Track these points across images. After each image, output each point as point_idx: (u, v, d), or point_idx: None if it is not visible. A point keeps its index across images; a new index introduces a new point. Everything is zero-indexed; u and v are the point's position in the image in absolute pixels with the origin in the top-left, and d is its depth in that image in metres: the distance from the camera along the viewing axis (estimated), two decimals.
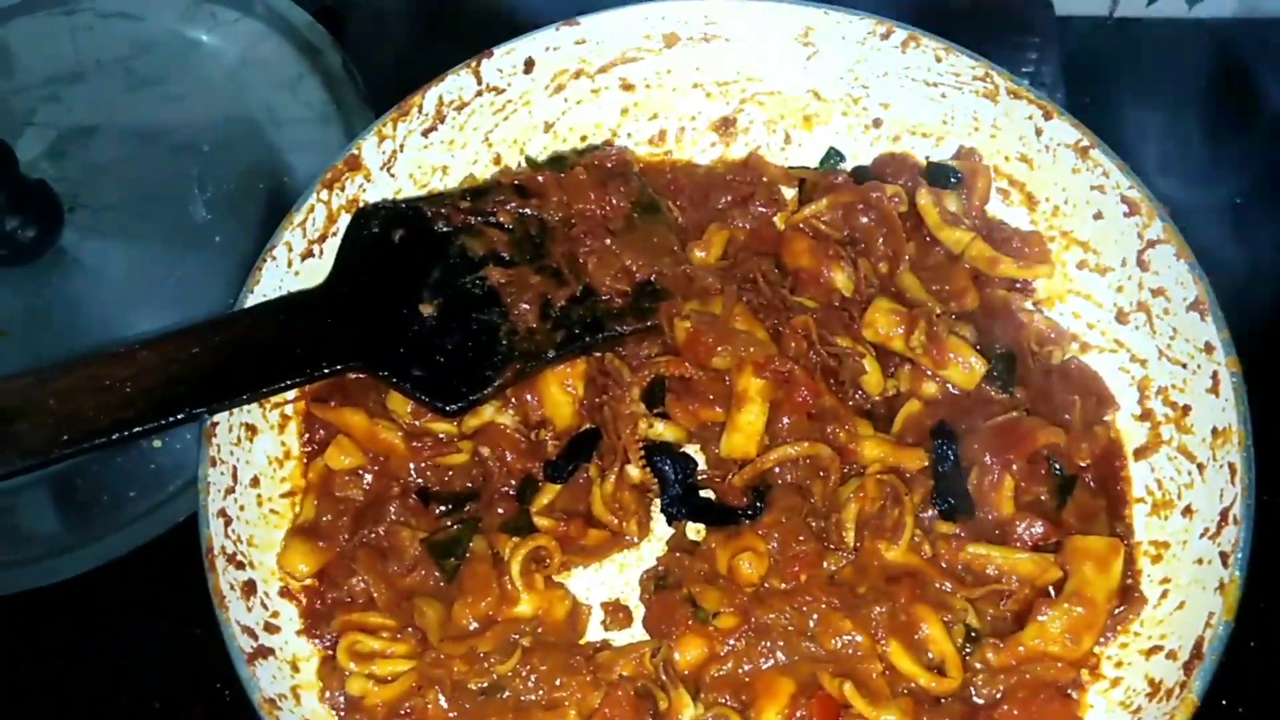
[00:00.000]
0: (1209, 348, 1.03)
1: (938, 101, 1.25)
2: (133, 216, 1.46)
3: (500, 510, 1.11)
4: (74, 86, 1.56)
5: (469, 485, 1.13)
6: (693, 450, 1.15)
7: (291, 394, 1.13)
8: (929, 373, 1.14)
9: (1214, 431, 1.01)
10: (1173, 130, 1.47)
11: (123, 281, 1.41)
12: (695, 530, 1.11)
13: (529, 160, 1.29)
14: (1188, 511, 1.02)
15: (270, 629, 1.00)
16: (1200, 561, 0.97)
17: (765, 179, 1.31)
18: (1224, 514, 0.96)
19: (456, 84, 1.24)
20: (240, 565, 1.00)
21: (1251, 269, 1.27)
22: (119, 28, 1.62)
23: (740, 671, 1.00)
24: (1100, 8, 1.63)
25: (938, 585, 1.03)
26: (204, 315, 1.28)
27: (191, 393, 0.99)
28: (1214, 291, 1.04)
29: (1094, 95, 1.52)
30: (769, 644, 1.01)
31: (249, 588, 1.00)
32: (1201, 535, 0.99)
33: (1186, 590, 0.98)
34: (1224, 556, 0.94)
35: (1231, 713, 1.09)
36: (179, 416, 0.98)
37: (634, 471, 1.09)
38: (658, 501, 1.11)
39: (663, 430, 1.12)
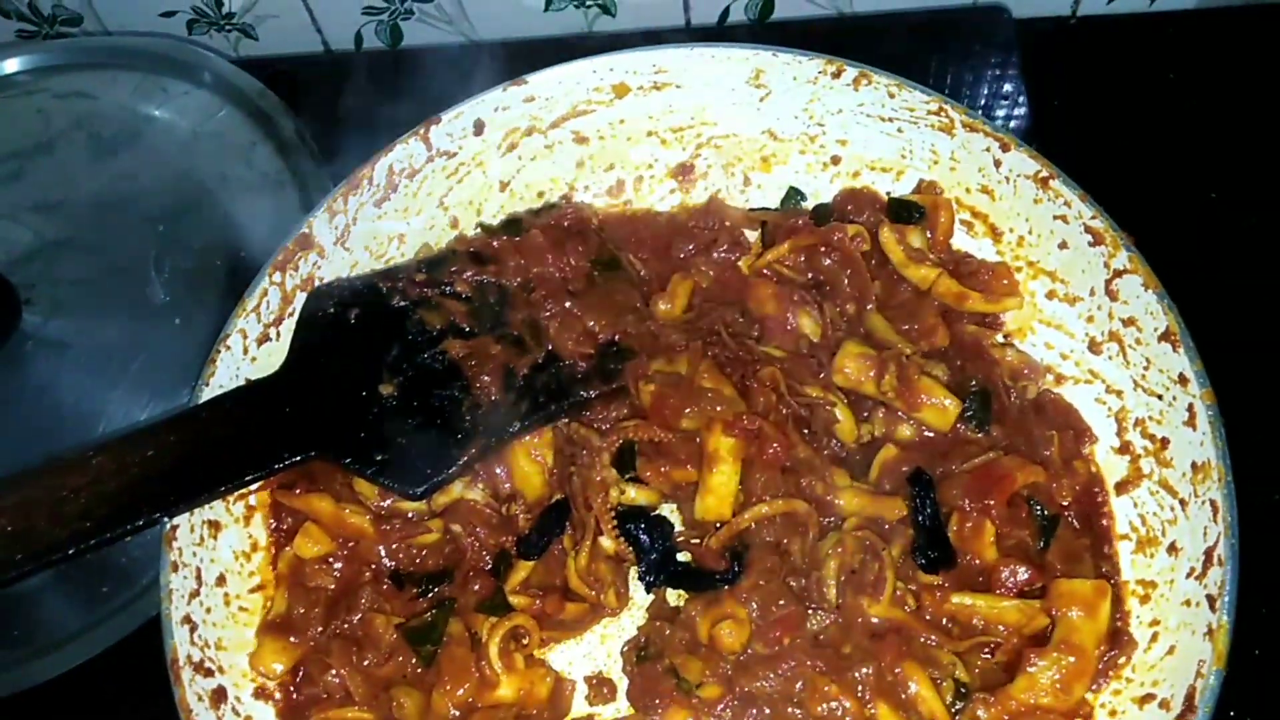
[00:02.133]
0: (1183, 379, 1.01)
1: (894, 136, 1.23)
2: (102, 286, 1.45)
3: (476, 587, 1.09)
4: (33, 163, 1.56)
5: (442, 564, 1.11)
6: (669, 510, 1.13)
7: (255, 484, 1.11)
8: (903, 415, 1.12)
9: (1194, 466, 0.99)
10: (1141, 131, 1.46)
11: (86, 363, 1.39)
12: (676, 595, 1.09)
13: (483, 226, 1.27)
14: (1172, 549, 1.00)
15: None
16: (1188, 603, 0.95)
17: (727, 223, 1.29)
18: (1208, 554, 0.94)
19: (406, 152, 1.22)
20: (209, 672, 0.98)
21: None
22: (76, 106, 1.61)
23: None
24: (1063, 7, 1.61)
25: (923, 639, 1.01)
26: (169, 389, 1.29)
27: (150, 498, 0.97)
28: (1184, 322, 1.01)
29: (1060, 99, 1.50)
30: (755, 712, 0.99)
31: (218, 695, 0.98)
32: (1188, 575, 0.96)
33: (1176, 634, 0.96)
34: (1211, 600, 0.91)
35: None
36: (139, 524, 0.96)
37: (607, 543, 1.06)
38: (635, 569, 1.09)
39: (635, 495, 1.10)
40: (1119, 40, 1.58)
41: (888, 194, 1.26)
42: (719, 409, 1.08)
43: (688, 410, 1.09)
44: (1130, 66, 1.55)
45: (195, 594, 1.02)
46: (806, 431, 1.12)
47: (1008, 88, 1.54)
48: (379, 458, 1.06)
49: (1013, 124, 1.48)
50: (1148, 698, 0.95)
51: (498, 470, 1.12)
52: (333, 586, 1.09)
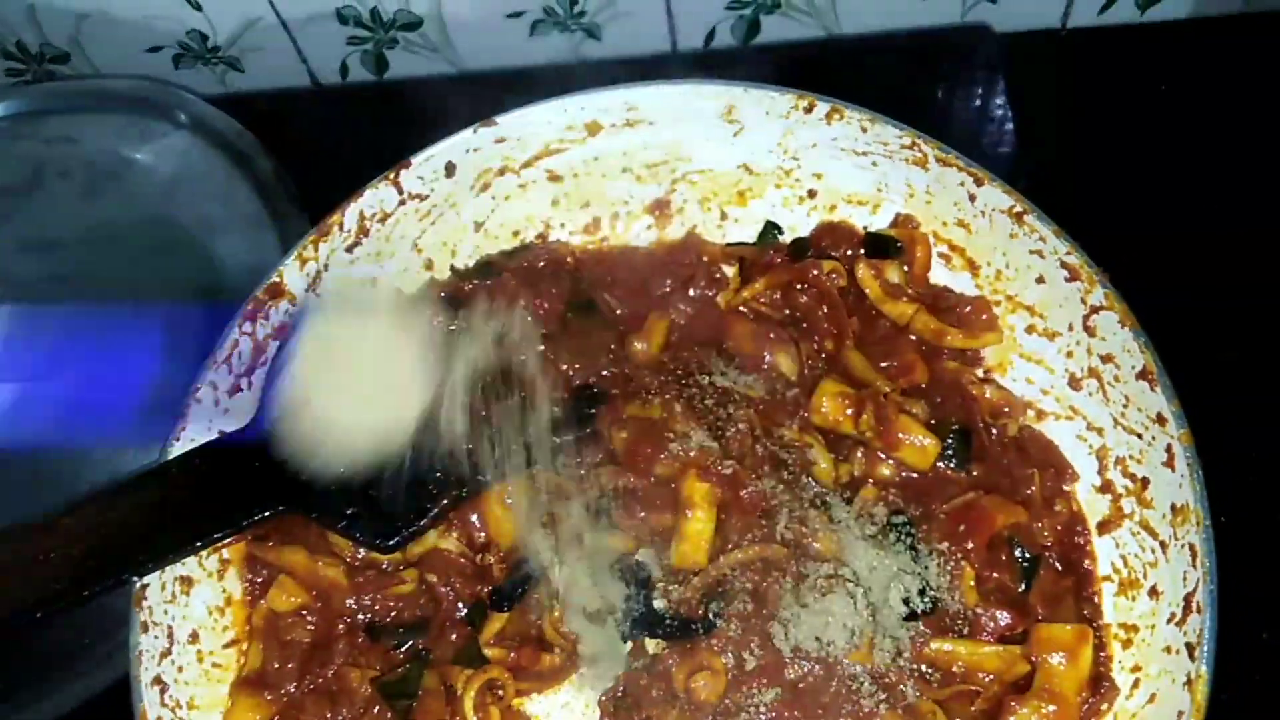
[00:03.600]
0: (1161, 419, 0.99)
1: (869, 170, 1.21)
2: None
3: (452, 638, 1.08)
4: (19, 204, 1.57)
5: (417, 615, 1.10)
6: (646, 554, 1.11)
7: None
8: (882, 455, 1.11)
9: (1173, 508, 0.97)
10: (1132, 143, 1.44)
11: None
12: (655, 643, 1.08)
13: (455, 270, 1.26)
14: (1154, 593, 0.98)
15: None
16: (1169, 649, 0.93)
17: (704, 259, 1.28)
18: (1188, 600, 0.92)
19: (376, 197, 1.21)
20: None
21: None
22: (55, 151, 1.61)
23: None
24: (1052, 20, 1.59)
25: (903, 689, 0.99)
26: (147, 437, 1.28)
27: (119, 560, 0.97)
28: (1161, 361, 1.00)
29: (1051, 114, 1.49)
30: None
31: None
32: (1168, 621, 0.95)
33: (1157, 682, 0.94)
34: (1190, 648, 0.90)
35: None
36: (108, 585, 0.96)
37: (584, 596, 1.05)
38: (611, 619, 1.08)
39: (611, 543, 1.09)
40: (1110, 52, 1.57)
41: (865, 228, 1.24)
42: (693, 454, 1.07)
43: (662, 456, 1.07)
44: (1122, 78, 1.53)
45: (167, 653, 1.01)
46: (784, 474, 1.11)
47: (995, 108, 1.52)
48: (350, 511, 1.05)
49: (1001, 142, 1.47)
50: None
51: (472, 518, 1.11)
52: (308, 640, 1.08)
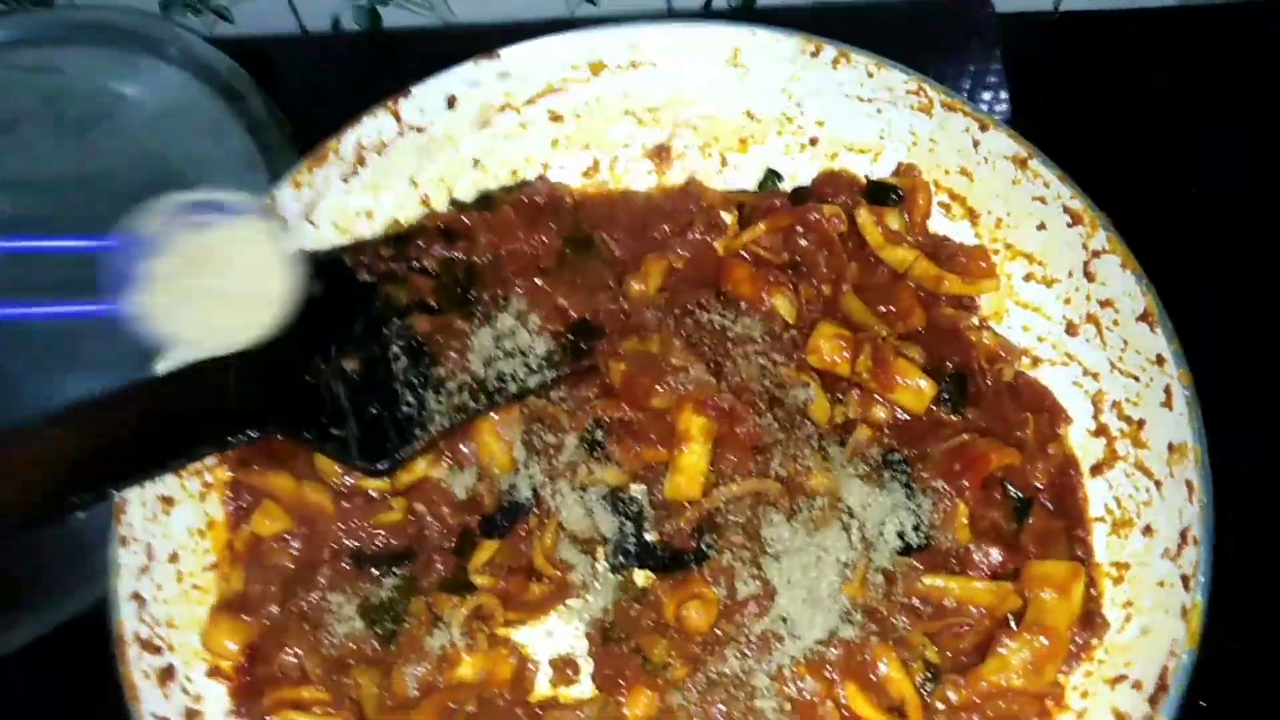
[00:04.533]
0: (1160, 360, 0.99)
1: (873, 117, 1.21)
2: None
3: (439, 567, 1.06)
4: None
5: (405, 543, 1.08)
6: (638, 490, 1.10)
7: (211, 460, 1.08)
8: (878, 397, 1.11)
9: (1170, 447, 0.97)
10: (1123, 125, 1.45)
11: (45, 339, 1.36)
12: (644, 576, 1.07)
13: (455, 201, 1.24)
14: (1148, 530, 0.99)
15: (192, 714, 0.94)
16: (1162, 584, 0.94)
17: (704, 204, 1.28)
18: (1183, 534, 0.92)
19: (375, 125, 1.19)
20: (157, 650, 0.95)
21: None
22: (39, 82, 1.58)
23: None
24: (1044, 3, 1.60)
25: (894, 621, 0.99)
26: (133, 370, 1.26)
27: (101, 471, 0.94)
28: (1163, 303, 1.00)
29: (1043, 94, 1.49)
30: (721, 694, 0.97)
31: (167, 673, 0.95)
32: (1162, 555, 0.95)
33: (1150, 615, 0.94)
34: (1185, 580, 0.90)
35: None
36: (89, 497, 0.93)
37: (574, 522, 1.04)
38: (601, 549, 1.07)
39: (604, 475, 1.08)
40: (1101, 35, 1.58)
41: (866, 176, 1.24)
42: (690, 388, 1.06)
43: (658, 388, 1.07)
44: (1112, 61, 1.55)
45: (145, 570, 0.99)
46: (779, 412, 1.10)
47: (990, 80, 1.53)
48: (340, 434, 1.03)
49: (995, 117, 1.47)
50: (1120, 678, 0.93)
51: (463, 448, 1.10)
52: (291, 565, 1.06)
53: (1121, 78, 1.53)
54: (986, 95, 1.51)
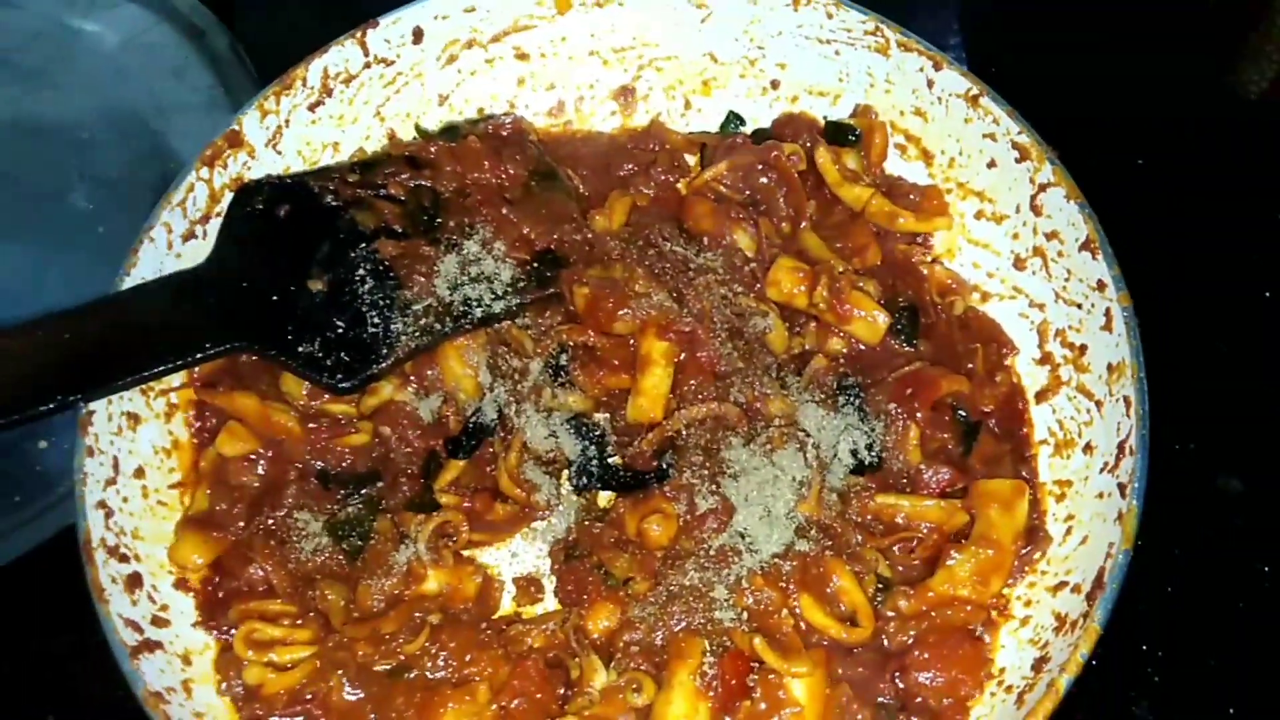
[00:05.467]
0: (1101, 285, 1.04)
1: (832, 59, 1.24)
2: (13, 212, 1.40)
3: (405, 489, 1.08)
4: None
5: (371, 466, 1.10)
6: (601, 418, 1.13)
7: (177, 380, 1.08)
8: (834, 329, 1.14)
9: (1109, 367, 1.02)
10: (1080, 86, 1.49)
11: (4, 279, 1.35)
12: (606, 497, 1.09)
13: (421, 131, 1.25)
14: (1088, 449, 1.03)
15: (159, 622, 0.95)
16: (1101, 496, 0.98)
17: (667, 146, 1.30)
18: (1121, 446, 0.97)
19: (342, 55, 1.20)
20: (124, 558, 0.95)
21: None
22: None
23: (653, 635, 0.98)
24: None
25: (848, 537, 1.02)
26: None
27: (64, 380, 0.94)
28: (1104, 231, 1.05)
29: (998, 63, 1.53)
30: (681, 605, 0.99)
31: (134, 580, 0.95)
32: (1102, 470, 1.00)
33: (1089, 525, 0.99)
34: (1122, 488, 0.95)
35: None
36: (52, 405, 0.93)
37: (538, 442, 1.06)
38: (565, 472, 1.09)
39: (569, 400, 1.10)
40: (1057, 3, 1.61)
41: (824, 118, 1.27)
42: (652, 312, 1.09)
43: (621, 313, 1.09)
44: (1067, 28, 1.58)
45: (112, 481, 0.99)
46: (739, 342, 1.13)
47: (950, 41, 1.56)
48: (305, 350, 1.04)
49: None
50: (1061, 585, 0.98)
51: (429, 372, 1.11)
52: (257, 485, 1.07)
53: (1074, 42, 1.57)
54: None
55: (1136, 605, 1.07)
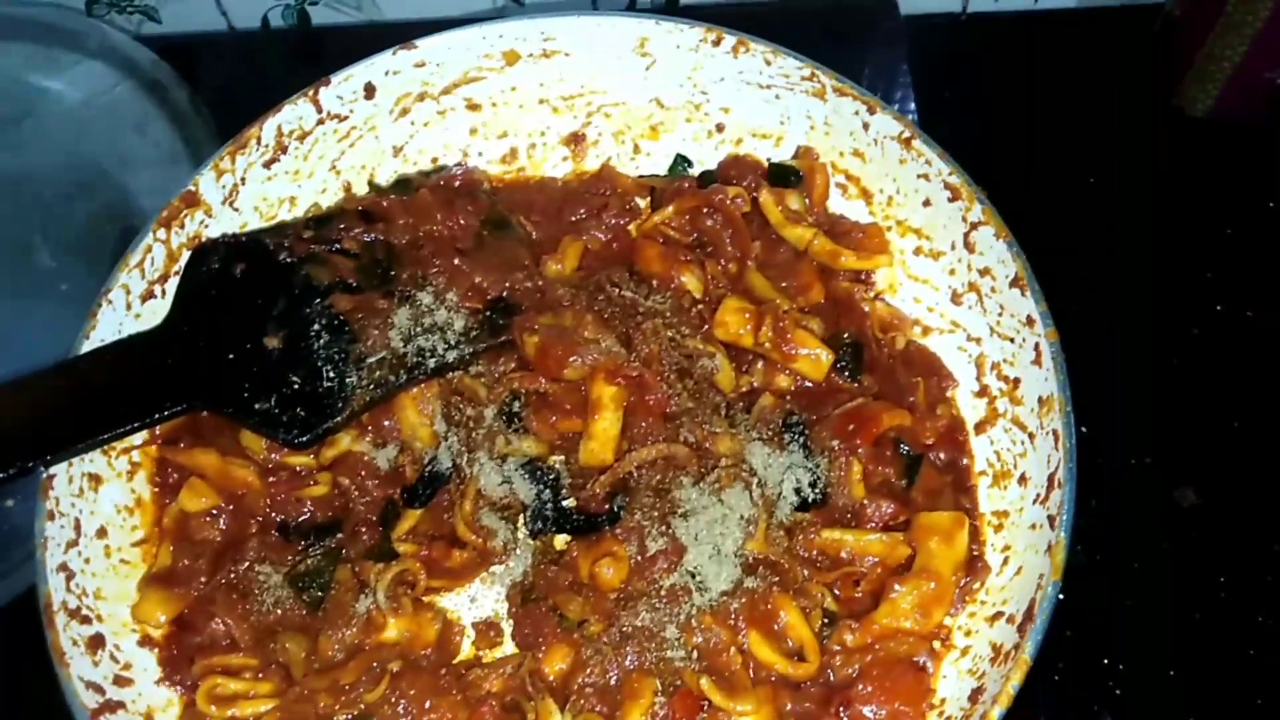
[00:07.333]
0: (1030, 320, 1.08)
1: (773, 103, 1.28)
2: None
3: (364, 538, 1.11)
4: None
5: (330, 516, 1.12)
6: (556, 460, 1.15)
7: (139, 439, 1.11)
8: (780, 367, 1.17)
9: (1040, 400, 1.06)
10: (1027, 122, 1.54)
11: None
12: (563, 540, 1.12)
13: (373, 185, 1.28)
14: (1023, 480, 1.07)
15: (121, 682, 0.97)
16: (1034, 526, 1.02)
17: (619, 189, 1.33)
18: (1050, 479, 1.01)
19: (295, 113, 1.23)
20: (86, 620, 0.98)
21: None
22: None
23: (607, 676, 1.01)
24: (953, 4, 1.68)
25: (795, 573, 1.05)
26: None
27: (25, 445, 0.97)
28: (1031, 268, 1.08)
29: (949, 92, 1.57)
30: (634, 646, 1.02)
31: (95, 641, 0.98)
32: (1034, 501, 1.03)
33: (1023, 556, 1.02)
34: (1051, 520, 0.98)
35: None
36: (12, 470, 0.96)
37: (493, 489, 1.09)
38: (521, 516, 1.12)
39: (523, 445, 1.13)
40: (1006, 36, 1.66)
41: (768, 160, 1.31)
42: (602, 358, 1.12)
43: (571, 360, 1.12)
44: (1015, 61, 1.63)
45: (74, 544, 1.01)
46: (688, 382, 1.16)
47: (899, 87, 1.60)
48: (263, 408, 1.07)
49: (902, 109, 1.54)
50: (997, 615, 1.01)
51: (386, 423, 1.14)
52: (218, 539, 1.09)
53: (1023, 75, 1.61)
54: (898, 95, 1.58)
55: (1097, 618, 1.11)
